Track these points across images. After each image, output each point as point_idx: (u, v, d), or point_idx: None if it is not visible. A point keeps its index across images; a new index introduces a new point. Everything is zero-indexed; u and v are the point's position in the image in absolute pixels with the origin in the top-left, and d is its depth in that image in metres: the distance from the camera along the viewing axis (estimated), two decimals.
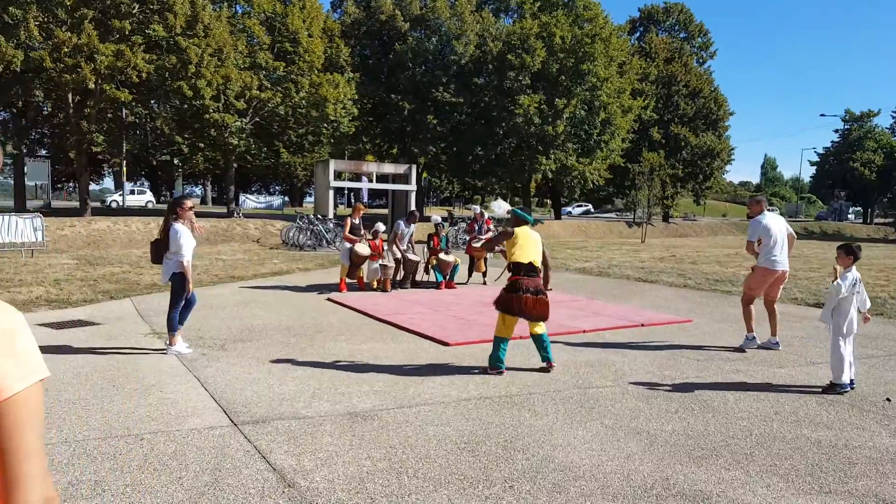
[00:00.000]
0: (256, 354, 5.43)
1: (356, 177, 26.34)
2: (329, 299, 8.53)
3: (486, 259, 10.66)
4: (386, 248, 10.27)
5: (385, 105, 27.93)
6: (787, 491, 3.02)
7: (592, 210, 52.83)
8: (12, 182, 26.66)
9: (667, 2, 42.48)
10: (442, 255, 10.06)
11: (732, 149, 40.07)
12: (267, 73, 22.91)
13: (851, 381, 4.67)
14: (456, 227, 18.47)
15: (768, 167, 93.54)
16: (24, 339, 0.88)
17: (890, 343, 6.43)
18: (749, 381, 4.94)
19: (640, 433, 3.74)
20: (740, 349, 5.99)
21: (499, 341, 4.95)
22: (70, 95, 19.21)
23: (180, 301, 5.37)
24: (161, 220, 5.68)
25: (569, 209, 48.63)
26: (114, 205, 33.35)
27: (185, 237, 5.32)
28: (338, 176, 23.59)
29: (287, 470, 3.12)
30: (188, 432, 3.59)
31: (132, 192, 37.97)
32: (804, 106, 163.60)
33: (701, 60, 42.25)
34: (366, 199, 25.29)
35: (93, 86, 18.12)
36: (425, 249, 10.71)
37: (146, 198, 39.44)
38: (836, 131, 54.33)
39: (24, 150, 24.67)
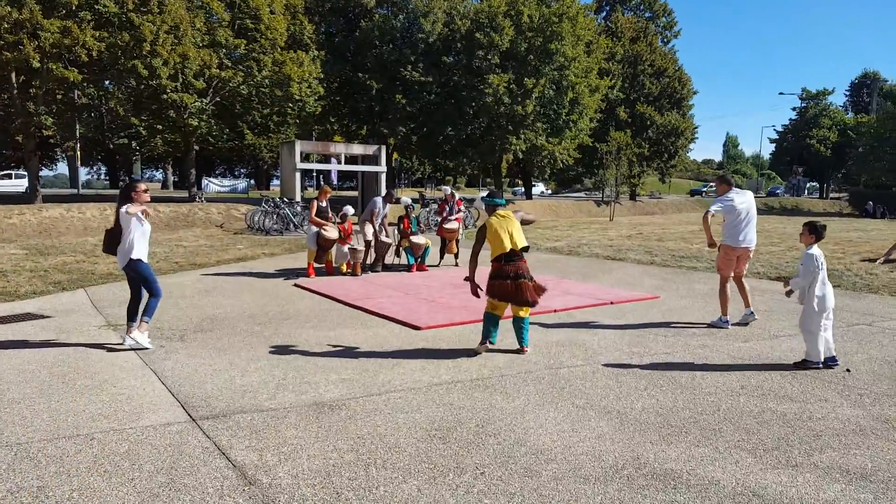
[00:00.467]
0: (218, 345, 5.23)
1: (325, 158, 25.75)
2: (296, 285, 8.30)
3: (457, 240, 10.57)
4: (357, 229, 10.04)
5: (352, 84, 27.25)
6: (755, 466, 3.04)
7: (545, 191, 53.93)
8: None
9: None
10: (413, 238, 9.93)
11: (696, 127, 40.73)
12: (227, 52, 22.01)
13: (829, 358, 4.62)
14: (427, 209, 18.28)
15: (730, 145, 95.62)
16: None
17: (848, 314, 6.61)
18: (715, 356, 5.01)
19: (611, 412, 3.74)
20: (714, 325, 6.05)
21: (486, 316, 5.03)
22: (13, 75, 18.09)
23: (143, 288, 5.11)
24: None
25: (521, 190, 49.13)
26: None
27: (136, 227, 5.03)
28: (305, 158, 22.98)
29: (248, 466, 2.98)
30: (143, 430, 3.41)
31: (9, 177, 30.80)
32: (765, 85, 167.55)
33: (665, 40, 42.55)
34: (335, 182, 24.69)
35: (38, 64, 17.06)
36: (396, 232, 10.54)
37: (24, 182, 29.39)
38: (794, 109, 55.73)
39: None
